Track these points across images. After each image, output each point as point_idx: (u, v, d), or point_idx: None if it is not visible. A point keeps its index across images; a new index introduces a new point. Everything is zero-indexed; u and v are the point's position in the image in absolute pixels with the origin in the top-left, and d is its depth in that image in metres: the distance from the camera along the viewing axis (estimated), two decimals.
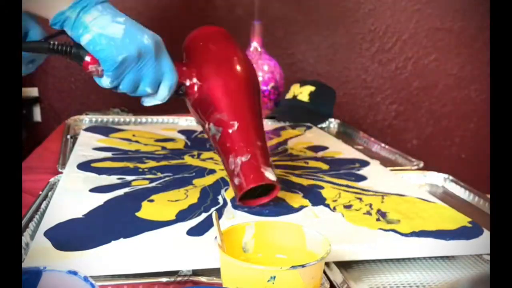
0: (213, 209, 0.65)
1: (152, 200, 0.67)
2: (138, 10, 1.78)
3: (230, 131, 0.66)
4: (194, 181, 0.76)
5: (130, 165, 0.84)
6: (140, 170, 0.81)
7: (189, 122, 1.26)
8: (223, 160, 0.68)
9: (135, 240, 0.55)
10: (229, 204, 0.67)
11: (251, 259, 0.47)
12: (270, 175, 0.64)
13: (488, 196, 0.73)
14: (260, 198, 0.66)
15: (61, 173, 0.80)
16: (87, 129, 1.08)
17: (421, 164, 0.92)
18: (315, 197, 0.70)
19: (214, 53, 0.71)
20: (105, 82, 0.64)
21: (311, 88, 1.33)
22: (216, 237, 0.45)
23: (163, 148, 0.96)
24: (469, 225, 0.61)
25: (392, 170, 0.87)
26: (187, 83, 0.69)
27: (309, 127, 1.20)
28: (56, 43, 0.64)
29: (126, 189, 0.72)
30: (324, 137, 1.12)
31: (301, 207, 0.66)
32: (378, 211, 0.65)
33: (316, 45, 2.01)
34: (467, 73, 2.11)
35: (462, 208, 0.69)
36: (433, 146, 2.16)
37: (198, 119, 0.72)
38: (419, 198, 0.71)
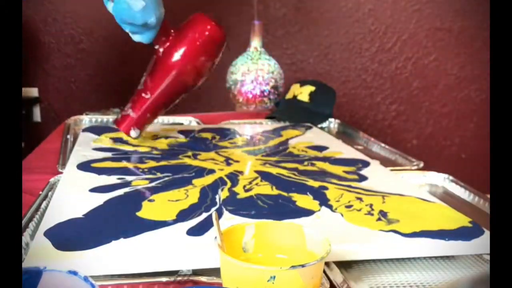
0: (213, 209, 0.65)
1: (152, 200, 0.68)
2: None
3: (143, 94, 0.92)
4: (194, 181, 0.76)
5: (130, 165, 0.84)
6: (140, 170, 0.81)
7: (189, 122, 1.26)
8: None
9: (135, 240, 0.55)
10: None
11: (251, 259, 0.47)
12: (134, 132, 0.93)
13: (488, 196, 0.73)
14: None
15: (61, 173, 0.80)
16: (85, 129, 1.08)
17: (421, 164, 0.92)
18: (321, 198, 0.70)
19: (190, 38, 0.89)
20: (110, 8, 0.83)
21: (311, 88, 1.33)
22: (216, 237, 0.45)
23: (169, 145, 0.96)
24: (469, 225, 0.61)
25: (392, 170, 0.87)
26: (156, 47, 0.90)
27: (309, 127, 1.20)
28: None
29: (126, 189, 0.72)
30: (324, 137, 1.12)
31: (312, 211, 0.66)
32: (379, 211, 0.65)
33: (316, 45, 2.01)
34: (467, 73, 2.11)
35: (462, 208, 0.69)
36: (433, 146, 2.16)
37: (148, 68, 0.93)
38: (419, 198, 0.71)
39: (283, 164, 0.87)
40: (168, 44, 0.89)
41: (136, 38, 0.87)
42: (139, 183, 0.75)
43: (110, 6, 0.82)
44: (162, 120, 1.25)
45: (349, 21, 2.01)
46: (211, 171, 0.81)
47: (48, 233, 0.56)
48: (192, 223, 0.60)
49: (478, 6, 2.01)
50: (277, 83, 1.45)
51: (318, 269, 0.43)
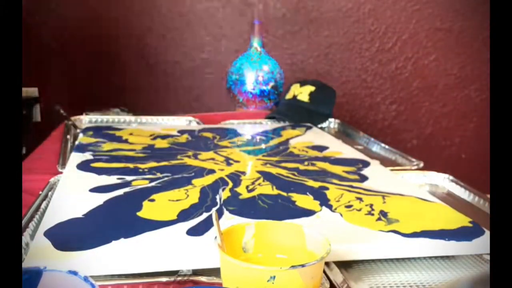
0: (214, 209, 0.65)
1: (153, 200, 0.68)
2: None
3: None
4: (194, 181, 0.76)
5: (130, 165, 0.84)
6: (140, 170, 0.81)
7: (189, 122, 1.26)
8: None
9: (135, 240, 0.55)
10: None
11: (251, 259, 0.47)
12: None
13: (488, 196, 0.73)
14: None
15: (61, 173, 0.80)
16: (85, 129, 1.08)
17: (421, 164, 0.92)
18: (321, 198, 0.70)
19: None
20: None
21: (311, 88, 1.33)
22: (216, 237, 0.45)
23: (173, 143, 0.96)
24: (470, 225, 0.61)
25: (392, 170, 0.87)
26: None
27: (309, 127, 1.20)
28: None
29: (126, 189, 0.72)
30: (324, 137, 1.12)
31: (313, 212, 0.66)
32: (380, 211, 0.65)
33: (316, 45, 2.01)
34: (467, 73, 2.11)
35: (462, 208, 0.69)
36: (433, 146, 2.16)
37: None
38: (419, 198, 0.71)
39: (283, 164, 0.87)
40: None
41: None
42: (139, 183, 0.75)
43: None
44: (163, 119, 1.25)
45: (349, 21, 2.01)
46: (211, 171, 0.81)
47: (48, 233, 0.56)
48: (193, 223, 0.60)
49: (478, 6, 2.01)
50: (277, 83, 1.45)
51: (318, 269, 0.43)
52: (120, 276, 0.51)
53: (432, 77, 2.10)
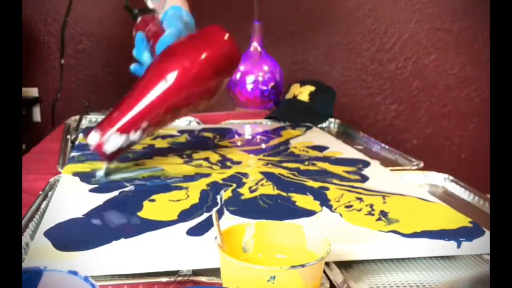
0: (214, 209, 0.65)
1: (153, 200, 0.68)
2: None
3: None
4: (189, 184, 0.76)
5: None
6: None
7: (189, 122, 1.26)
8: None
9: (135, 240, 0.55)
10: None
11: (251, 259, 0.47)
12: (93, 135, 0.72)
13: (488, 196, 0.73)
14: None
15: (61, 173, 0.80)
16: (85, 130, 1.08)
17: (421, 164, 0.92)
18: (321, 199, 0.70)
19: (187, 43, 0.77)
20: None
21: (311, 88, 1.33)
22: (216, 237, 0.45)
23: (169, 144, 0.96)
24: (470, 225, 0.61)
25: (392, 170, 0.87)
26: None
27: (309, 127, 1.20)
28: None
29: (126, 189, 0.72)
30: (324, 137, 1.12)
31: (314, 212, 0.66)
32: (380, 211, 0.65)
33: (316, 45, 2.01)
34: (467, 73, 2.11)
35: (462, 208, 0.69)
36: (433, 146, 2.16)
37: None
38: (419, 198, 0.71)
39: (284, 164, 0.87)
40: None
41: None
42: (139, 183, 0.75)
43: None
44: None
45: (349, 21, 2.01)
46: (206, 175, 0.80)
47: (48, 233, 0.56)
48: (193, 223, 0.60)
49: (478, 6, 2.01)
50: (277, 83, 1.45)
51: (318, 269, 0.43)
52: (120, 276, 0.51)
53: (432, 77, 2.10)
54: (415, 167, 0.91)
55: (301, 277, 0.41)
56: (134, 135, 0.73)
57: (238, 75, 1.46)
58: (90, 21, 1.84)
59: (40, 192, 0.72)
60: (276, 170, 0.83)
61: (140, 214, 0.63)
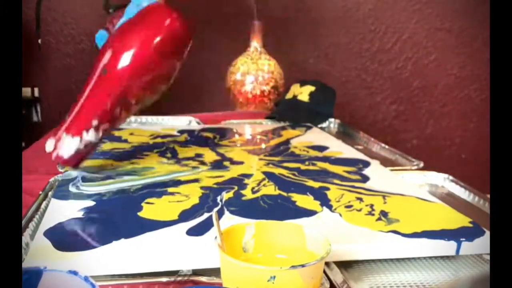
0: (215, 209, 0.65)
1: (152, 203, 0.67)
2: None
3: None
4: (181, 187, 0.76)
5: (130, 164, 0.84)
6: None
7: (189, 122, 1.26)
8: None
9: (135, 240, 0.55)
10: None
11: (251, 259, 0.47)
12: (49, 142, 0.69)
13: (488, 196, 0.73)
14: None
15: (61, 173, 0.80)
16: None
17: (421, 164, 0.92)
18: (322, 199, 0.70)
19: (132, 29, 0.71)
20: None
21: (311, 88, 1.33)
22: (216, 237, 0.45)
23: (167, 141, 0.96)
24: (470, 225, 0.61)
25: (392, 170, 0.87)
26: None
27: (309, 127, 1.20)
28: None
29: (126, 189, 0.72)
30: (324, 137, 1.12)
31: (314, 212, 0.66)
32: (380, 211, 0.65)
33: (316, 45, 2.01)
34: (467, 73, 2.11)
35: (462, 208, 0.69)
36: (433, 146, 2.16)
37: None
38: (419, 198, 0.71)
39: (285, 164, 0.87)
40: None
41: None
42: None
43: None
44: (163, 119, 1.25)
45: (349, 21, 2.01)
46: (195, 180, 0.78)
47: (48, 233, 0.56)
48: (193, 223, 0.60)
49: (478, 6, 2.01)
50: (277, 83, 1.45)
51: (318, 269, 0.43)
52: (120, 276, 0.51)
53: (432, 77, 2.10)
54: (415, 167, 0.91)
55: (301, 277, 0.41)
56: (88, 136, 0.69)
57: (238, 75, 1.46)
58: (90, 21, 1.83)
59: (40, 192, 0.72)
60: (277, 170, 0.83)
61: (140, 214, 0.63)
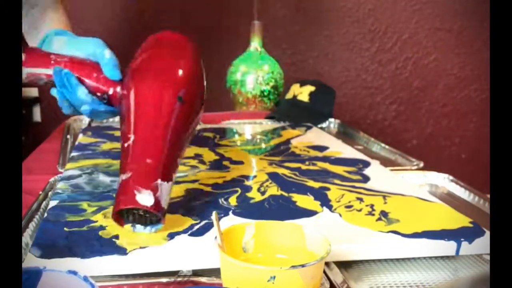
0: (214, 211, 0.65)
1: None
2: (132, 6, 1.78)
3: (126, 144, 0.58)
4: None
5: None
6: None
7: None
8: None
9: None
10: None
11: (251, 259, 0.47)
12: (145, 198, 0.54)
13: (488, 196, 0.73)
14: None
15: (61, 173, 0.80)
16: (85, 130, 1.08)
17: (421, 164, 0.92)
18: (322, 199, 0.70)
19: (146, 61, 0.64)
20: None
21: (311, 88, 1.33)
22: (216, 237, 0.45)
23: None
24: (470, 225, 0.61)
25: (392, 170, 0.87)
26: (110, 91, 0.66)
27: (309, 127, 1.20)
28: None
29: None
30: (324, 137, 1.12)
31: (315, 212, 0.65)
32: (381, 211, 0.65)
33: (316, 45, 2.01)
34: (467, 73, 2.11)
35: (462, 208, 0.69)
36: (433, 146, 2.16)
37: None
38: (419, 198, 0.71)
39: (286, 164, 0.87)
40: (118, 89, 0.66)
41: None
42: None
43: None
44: None
45: (349, 21, 2.01)
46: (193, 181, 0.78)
47: (48, 234, 0.56)
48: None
49: (478, 6, 2.01)
50: (277, 83, 1.45)
51: (318, 269, 0.43)
52: (120, 276, 0.51)
53: (432, 77, 2.10)
54: (415, 167, 0.91)
55: (301, 277, 0.41)
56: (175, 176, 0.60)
57: (238, 75, 1.46)
58: (90, 21, 1.83)
59: (40, 192, 0.72)
60: (280, 170, 0.83)
61: None
